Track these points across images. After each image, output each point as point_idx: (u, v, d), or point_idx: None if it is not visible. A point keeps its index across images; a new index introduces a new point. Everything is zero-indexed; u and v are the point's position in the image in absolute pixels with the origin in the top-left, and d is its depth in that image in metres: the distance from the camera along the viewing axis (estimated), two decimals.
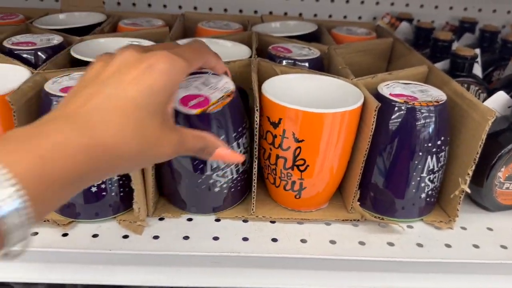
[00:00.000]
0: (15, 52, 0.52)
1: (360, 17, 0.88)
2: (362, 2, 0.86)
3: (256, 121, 0.41)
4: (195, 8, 0.85)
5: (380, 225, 0.47)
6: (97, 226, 0.44)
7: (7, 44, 0.54)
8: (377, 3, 0.86)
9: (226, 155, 0.34)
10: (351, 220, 0.47)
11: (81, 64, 0.50)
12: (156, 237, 0.43)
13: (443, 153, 0.45)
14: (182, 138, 0.31)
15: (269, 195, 0.49)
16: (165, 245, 0.42)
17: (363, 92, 0.44)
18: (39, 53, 0.53)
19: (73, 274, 0.41)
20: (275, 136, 0.43)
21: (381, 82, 0.48)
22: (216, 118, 0.40)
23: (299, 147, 0.42)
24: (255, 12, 0.86)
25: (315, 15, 0.87)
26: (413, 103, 0.42)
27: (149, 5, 0.84)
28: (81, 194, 0.42)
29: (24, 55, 0.52)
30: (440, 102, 0.43)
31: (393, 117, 0.43)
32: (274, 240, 0.43)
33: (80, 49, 0.52)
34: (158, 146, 0.29)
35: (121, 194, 0.44)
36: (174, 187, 0.45)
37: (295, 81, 0.48)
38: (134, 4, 0.84)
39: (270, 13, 0.86)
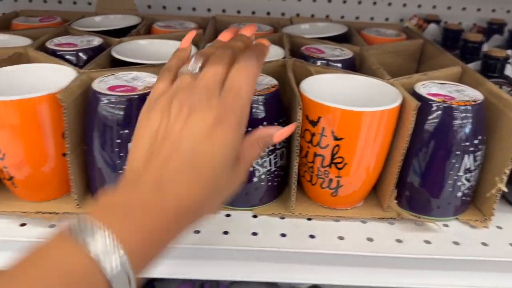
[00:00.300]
0: (58, 53, 0.54)
1: (387, 19, 0.88)
2: (390, 4, 0.86)
3: (298, 119, 0.42)
4: (223, 11, 0.86)
5: (416, 223, 0.47)
6: None
7: (50, 45, 0.56)
8: (404, 4, 0.86)
9: (284, 133, 0.35)
10: (387, 218, 0.47)
11: (121, 64, 0.52)
12: (197, 232, 0.44)
13: (479, 152, 0.45)
14: (245, 165, 0.32)
15: (304, 193, 0.50)
16: (207, 239, 0.43)
17: (401, 91, 0.45)
18: (80, 53, 0.55)
19: None
20: (313, 134, 0.44)
21: (416, 82, 0.49)
22: (260, 102, 0.42)
23: (338, 145, 0.43)
24: (283, 14, 0.87)
25: (342, 17, 0.88)
26: (451, 103, 0.43)
27: (179, 8, 0.86)
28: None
29: (67, 56, 0.54)
30: (478, 102, 0.44)
31: (431, 116, 0.43)
32: (312, 236, 0.44)
33: (120, 50, 0.54)
34: (230, 189, 0.31)
35: None
36: None
37: (331, 80, 0.49)
38: (164, 7, 0.86)
39: (297, 15, 0.87)
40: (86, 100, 0.44)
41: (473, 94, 0.46)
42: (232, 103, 0.30)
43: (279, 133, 0.35)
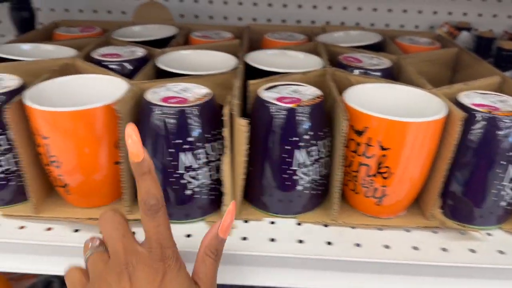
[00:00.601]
0: (103, 63, 0.56)
1: (417, 26, 0.88)
2: (420, 12, 0.87)
3: (343, 129, 0.42)
4: (254, 19, 0.88)
5: (459, 232, 0.47)
6: (189, 227, 0.46)
7: (95, 55, 0.58)
8: (435, 12, 0.87)
9: (225, 224, 0.35)
10: (430, 227, 0.48)
11: (166, 74, 0.53)
12: (244, 238, 0.45)
13: None
14: (206, 284, 0.35)
15: (345, 201, 0.50)
16: (254, 246, 0.44)
17: (445, 102, 0.45)
18: (125, 64, 0.56)
19: None
20: (358, 144, 0.45)
21: (457, 92, 0.49)
22: (307, 113, 0.43)
23: (384, 155, 0.43)
24: (313, 22, 0.88)
25: (372, 25, 0.88)
26: (497, 113, 0.43)
27: (211, 17, 0.88)
28: (175, 196, 0.45)
29: (111, 66, 0.56)
30: None
31: (476, 127, 0.44)
32: (358, 245, 0.45)
33: (164, 61, 0.56)
34: None
35: (211, 197, 0.46)
36: (259, 189, 0.47)
37: (374, 90, 0.50)
38: (196, 16, 0.87)
39: (327, 23, 0.88)
40: (138, 110, 0.45)
41: None
42: (161, 255, 0.32)
43: (221, 228, 0.35)
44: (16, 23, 0.82)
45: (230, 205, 0.36)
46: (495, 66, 0.66)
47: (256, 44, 0.72)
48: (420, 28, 0.88)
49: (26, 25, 0.81)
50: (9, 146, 0.46)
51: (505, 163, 0.44)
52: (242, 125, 0.41)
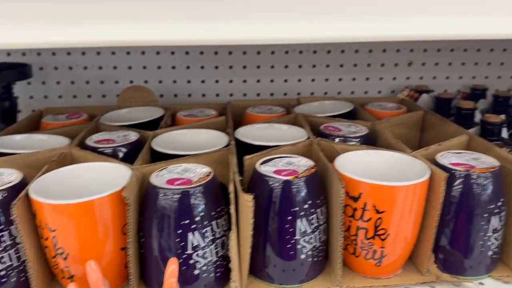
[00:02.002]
0: (99, 150, 0.58)
1: (379, 91, 0.96)
2: (381, 78, 0.95)
3: (341, 197, 0.46)
4: (231, 95, 0.93)
5: (454, 284, 0.50)
6: None
7: (89, 142, 0.59)
8: (394, 78, 0.95)
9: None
10: (428, 282, 0.50)
11: (163, 156, 0.55)
12: None
13: (503, 213, 0.50)
14: None
15: (345, 265, 0.52)
16: None
17: (427, 164, 0.50)
18: (120, 148, 0.58)
19: None
20: (355, 209, 0.48)
21: (434, 153, 0.54)
22: (305, 183, 0.46)
23: (380, 218, 0.46)
24: (285, 94, 0.95)
25: (339, 93, 0.95)
26: (473, 171, 0.48)
27: (189, 95, 0.92)
28: (183, 278, 0.45)
29: (106, 151, 0.58)
30: (496, 168, 0.49)
31: (457, 184, 0.48)
32: None
33: (159, 143, 0.58)
34: None
35: (218, 274, 0.47)
36: (263, 261, 0.49)
37: (361, 157, 0.54)
38: (175, 95, 0.92)
39: (298, 93, 0.94)
40: (142, 194, 0.47)
41: (489, 161, 0.51)
42: None
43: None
44: None
45: None
46: (458, 124, 0.73)
47: (238, 118, 0.77)
48: (383, 93, 0.96)
49: (7, 115, 0.82)
50: (11, 242, 0.45)
51: (487, 215, 0.48)
52: (248, 201, 0.44)
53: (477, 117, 0.78)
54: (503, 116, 0.69)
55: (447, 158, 0.52)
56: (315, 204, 0.47)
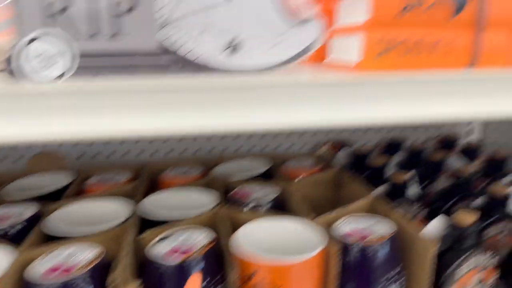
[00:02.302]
0: None
1: (303, 146, 0.98)
2: (302, 134, 0.97)
3: (232, 279, 0.44)
4: (151, 154, 0.91)
5: None
6: None
7: None
8: (315, 134, 0.98)
9: None
10: None
11: (53, 237, 0.52)
12: None
13: (403, 278, 0.50)
14: None
15: None
16: None
17: (322, 235, 0.50)
18: (13, 229, 0.54)
19: None
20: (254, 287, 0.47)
21: (336, 218, 0.55)
22: (199, 263, 0.45)
23: None
24: (209, 151, 0.94)
25: (264, 148, 0.96)
26: (368, 240, 0.49)
27: (108, 156, 0.89)
28: None
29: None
30: (391, 235, 0.50)
31: (351, 256, 0.49)
32: None
33: (53, 220, 0.55)
34: None
35: None
36: None
37: (258, 228, 0.53)
38: (93, 157, 0.89)
39: (223, 151, 0.94)
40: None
41: (386, 227, 0.52)
42: None
43: None
44: None
45: None
46: (368, 181, 0.73)
47: (156, 180, 0.75)
48: (305, 148, 0.98)
49: None
50: None
51: (386, 282, 0.49)
52: None
53: (391, 171, 0.80)
54: (411, 173, 0.71)
55: (345, 225, 0.53)
56: (214, 281, 0.46)
